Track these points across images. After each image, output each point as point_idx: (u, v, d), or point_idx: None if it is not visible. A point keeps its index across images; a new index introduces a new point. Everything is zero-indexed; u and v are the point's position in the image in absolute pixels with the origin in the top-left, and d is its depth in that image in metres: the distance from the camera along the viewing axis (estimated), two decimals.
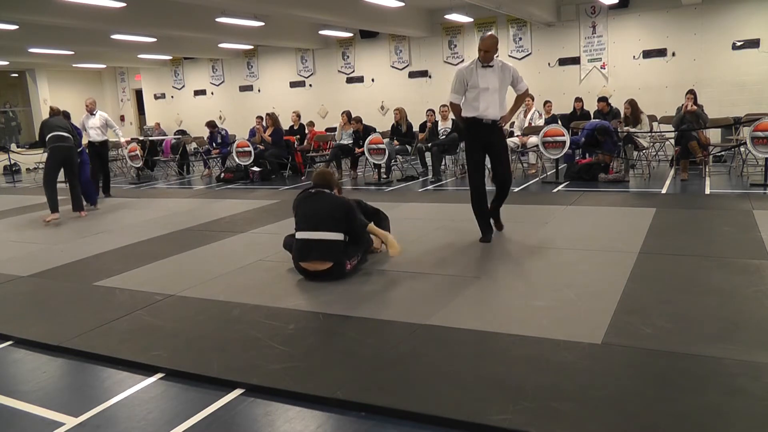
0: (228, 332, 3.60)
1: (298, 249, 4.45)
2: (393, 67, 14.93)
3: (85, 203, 8.46)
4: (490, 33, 5.46)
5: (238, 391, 2.84)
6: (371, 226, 4.63)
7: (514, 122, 10.55)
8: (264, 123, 11.65)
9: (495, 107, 5.26)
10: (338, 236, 4.37)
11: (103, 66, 19.15)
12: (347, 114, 11.15)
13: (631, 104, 9.01)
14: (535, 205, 7.08)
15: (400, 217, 6.76)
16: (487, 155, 5.50)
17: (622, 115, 9.27)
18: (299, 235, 4.44)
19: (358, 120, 10.96)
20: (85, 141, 9.94)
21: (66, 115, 8.47)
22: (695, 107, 8.41)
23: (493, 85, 5.23)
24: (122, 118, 20.46)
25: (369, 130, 10.91)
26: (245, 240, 6.02)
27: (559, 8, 12.57)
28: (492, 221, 5.58)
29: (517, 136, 10.05)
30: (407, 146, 10.52)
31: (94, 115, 9.75)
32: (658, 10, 11.81)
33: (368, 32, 14.51)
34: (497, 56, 5.36)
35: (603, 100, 10.18)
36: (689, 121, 8.49)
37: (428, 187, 9.17)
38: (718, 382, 2.61)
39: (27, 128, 19.91)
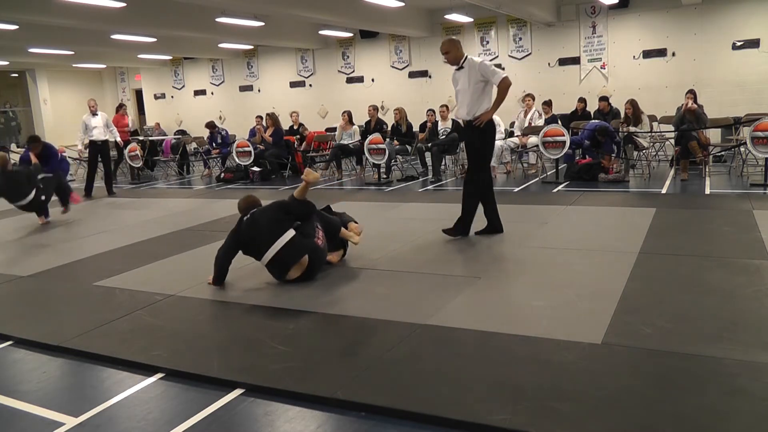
0: (228, 332, 3.60)
1: (274, 270, 4.41)
2: (393, 67, 14.93)
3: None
4: (447, 37, 5.58)
5: (238, 391, 2.84)
6: (297, 191, 4.57)
7: (514, 122, 10.57)
8: (264, 123, 11.66)
9: (463, 107, 5.45)
10: (291, 233, 4.37)
11: (103, 66, 19.16)
12: (348, 114, 11.15)
13: (633, 104, 9.01)
14: (535, 205, 7.08)
15: (400, 217, 6.77)
16: None
17: (623, 114, 9.28)
18: (264, 259, 4.39)
19: (375, 108, 11.04)
20: (86, 141, 10.10)
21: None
22: (695, 106, 8.41)
23: (462, 86, 5.46)
24: None
25: (381, 122, 10.97)
26: None
27: (559, 8, 12.57)
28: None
29: (517, 136, 10.06)
30: (407, 146, 10.52)
31: (96, 115, 10.08)
32: (658, 10, 11.81)
33: (368, 32, 14.51)
34: (468, 56, 5.56)
35: (604, 99, 10.20)
36: (689, 121, 8.49)
37: (428, 187, 9.17)
38: (718, 382, 2.61)
39: (27, 128, 19.92)
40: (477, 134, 5.40)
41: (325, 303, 3.93)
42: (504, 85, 5.34)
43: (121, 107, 13.66)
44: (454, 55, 5.44)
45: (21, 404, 2.88)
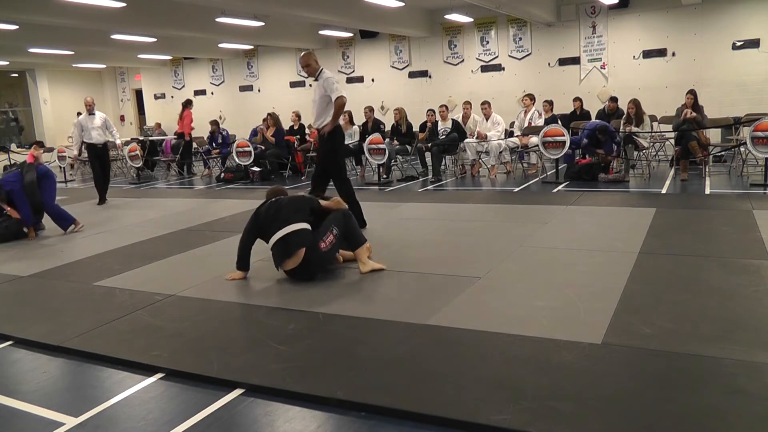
0: (228, 332, 3.60)
1: (277, 252, 4.42)
2: (393, 67, 14.93)
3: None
4: (303, 52, 6.02)
5: (238, 391, 2.84)
6: (325, 203, 4.78)
7: (514, 122, 10.57)
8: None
9: (315, 116, 6.02)
10: (305, 225, 4.43)
11: (103, 66, 19.16)
12: (348, 114, 11.14)
13: (636, 104, 8.99)
14: (535, 205, 7.08)
15: (400, 217, 6.77)
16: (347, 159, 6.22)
17: (626, 114, 9.26)
18: (273, 239, 4.42)
19: (371, 109, 11.04)
20: (80, 144, 9.25)
21: None
22: (695, 114, 8.38)
23: (315, 97, 5.99)
24: (122, 118, 20.47)
25: (378, 123, 10.96)
26: None
27: (559, 8, 12.57)
28: None
29: (517, 136, 10.06)
30: (407, 146, 10.52)
31: (94, 114, 9.18)
32: (658, 10, 11.81)
33: (368, 32, 14.52)
34: (323, 69, 5.93)
35: (614, 100, 10.21)
36: (689, 122, 8.48)
37: (428, 187, 9.17)
38: (718, 382, 2.61)
39: (26, 128, 19.93)
40: (325, 143, 5.95)
41: (325, 303, 3.93)
42: (338, 103, 5.81)
43: (189, 103, 13.02)
44: (313, 68, 5.90)
45: (21, 404, 2.88)
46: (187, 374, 3.04)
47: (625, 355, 2.93)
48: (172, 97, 18.76)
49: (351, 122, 11.05)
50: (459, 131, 9.98)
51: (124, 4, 9.63)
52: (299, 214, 4.47)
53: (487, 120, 10.06)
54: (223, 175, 11.59)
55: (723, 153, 9.76)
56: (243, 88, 17.30)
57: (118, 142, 9.63)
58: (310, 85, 16.07)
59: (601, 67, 12.55)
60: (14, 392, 3.02)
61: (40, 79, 19.08)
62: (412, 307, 3.75)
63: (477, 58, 13.81)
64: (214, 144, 12.90)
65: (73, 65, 18.11)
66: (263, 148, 11.41)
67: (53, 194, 7.24)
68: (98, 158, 9.26)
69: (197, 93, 18.17)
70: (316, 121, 6.00)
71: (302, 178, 11.21)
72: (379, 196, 8.50)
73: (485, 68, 13.77)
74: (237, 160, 11.57)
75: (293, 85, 16.40)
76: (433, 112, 10.31)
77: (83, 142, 9.18)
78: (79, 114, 16.24)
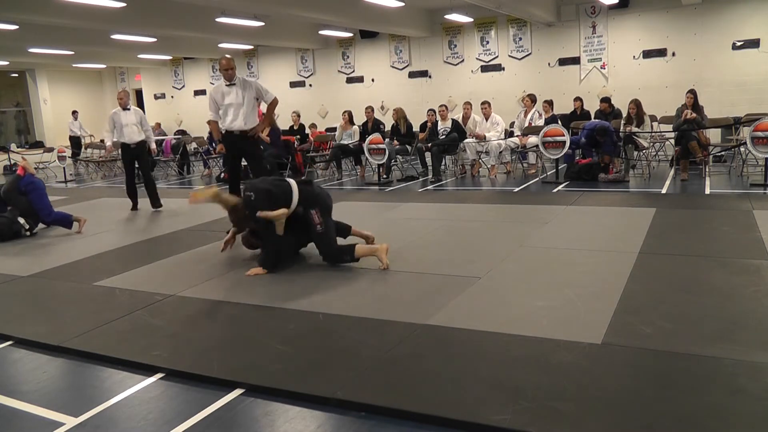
0: (228, 332, 3.60)
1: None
2: (393, 67, 14.94)
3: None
4: (225, 56, 6.23)
5: (238, 391, 2.84)
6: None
7: (514, 122, 10.57)
8: None
9: (239, 119, 6.20)
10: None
11: (103, 66, 19.18)
12: (348, 114, 11.15)
13: (637, 104, 8.98)
14: (535, 205, 7.08)
15: (400, 217, 6.77)
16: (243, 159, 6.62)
17: (626, 114, 9.25)
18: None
19: (372, 109, 11.11)
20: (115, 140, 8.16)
21: None
22: (695, 115, 8.37)
23: (235, 100, 6.17)
24: None
25: (378, 123, 10.96)
26: None
27: (559, 8, 12.58)
28: None
29: (517, 136, 10.06)
30: (407, 146, 10.52)
31: (129, 110, 8.02)
32: (658, 10, 11.81)
33: (368, 32, 14.52)
34: (239, 75, 6.27)
35: (606, 100, 10.19)
36: (689, 122, 8.48)
37: (428, 187, 9.17)
38: (718, 382, 2.61)
39: (25, 128, 19.96)
40: (249, 144, 6.33)
41: (325, 303, 3.93)
42: (274, 104, 6.33)
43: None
44: (234, 72, 6.18)
45: (21, 404, 2.88)
46: (187, 374, 3.04)
47: (625, 355, 2.93)
48: (172, 97, 18.77)
49: (351, 122, 11.06)
50: (459, 131, 9.97)
51: (124, 4, 9.63)
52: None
53: (486, 120, 10.07)
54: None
55: (723, 153, 9.76)
56: None
57: (152, 146, 8.42)
58: (311, 85, 16.14)
59: (601, 67, 12.55)
60: (14, 392, 3.02)
61: (40, 79, 19.09)
62: (412, 307, 3.75)
63: (477, 58, 13.82)
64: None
65: (73, 65, 18.13)
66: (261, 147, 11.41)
67: (45, 203, 6.86)
68: (133, 160, 8.16)
69: (197, 93, 18.17)
70: (246, 123, 6.22)
71: (302, 178, 11.20)
72: (379, 196, 8.50)
73: (485, 68, 13.78)
74: None
75: (293, 85, 16.41)
76: (433, 112, 10.31)
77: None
78: (74, 113, 16.44)
